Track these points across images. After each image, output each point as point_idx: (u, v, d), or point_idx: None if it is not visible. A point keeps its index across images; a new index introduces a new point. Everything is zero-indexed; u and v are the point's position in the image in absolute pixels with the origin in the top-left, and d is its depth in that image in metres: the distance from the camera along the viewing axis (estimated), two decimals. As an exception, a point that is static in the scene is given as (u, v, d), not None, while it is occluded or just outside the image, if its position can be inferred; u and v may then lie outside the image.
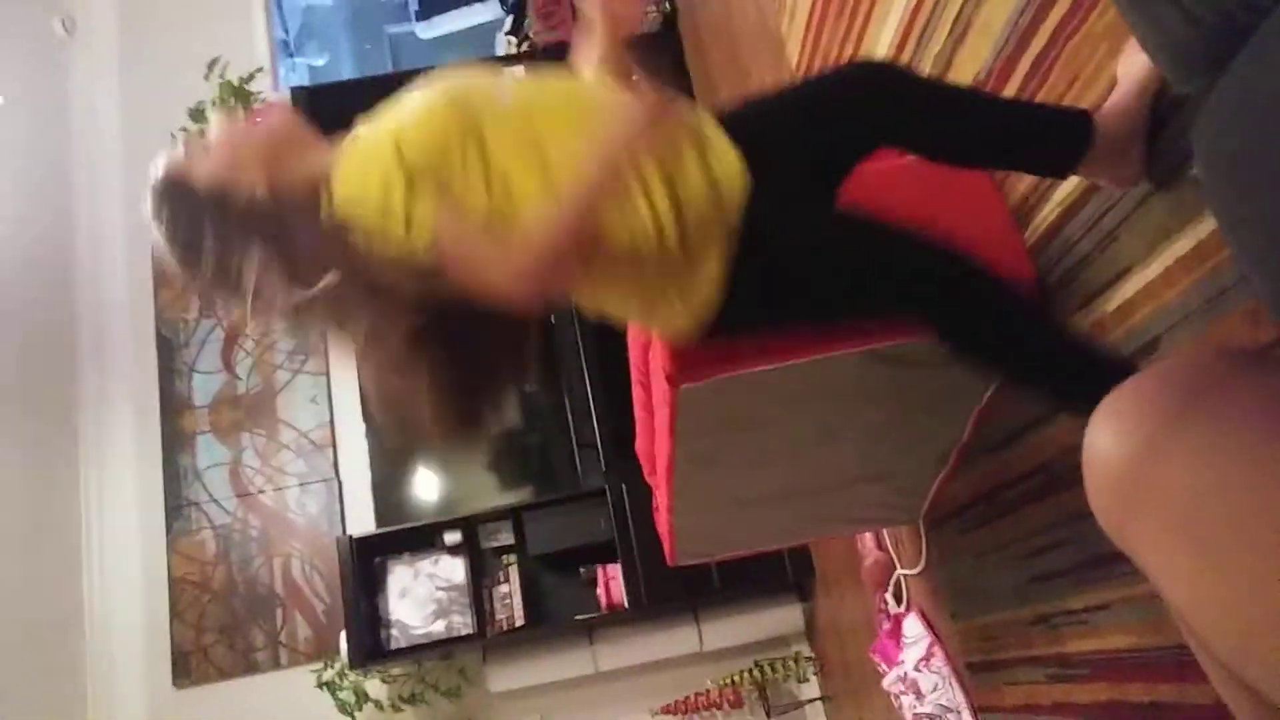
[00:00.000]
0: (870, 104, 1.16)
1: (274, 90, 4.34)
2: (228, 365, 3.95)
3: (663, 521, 1.97)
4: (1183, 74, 0.63)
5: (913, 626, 2.26)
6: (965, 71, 1.49)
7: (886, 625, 2.37)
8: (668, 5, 4.06)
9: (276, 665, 3.57)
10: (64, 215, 4.07)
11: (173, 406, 3.88)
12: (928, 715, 2.24)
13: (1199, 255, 1.06)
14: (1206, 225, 1.04)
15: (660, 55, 3.97)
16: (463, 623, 3.38)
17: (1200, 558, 0.49)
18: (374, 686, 3.45)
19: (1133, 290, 1.18)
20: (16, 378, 3.55)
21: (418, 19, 5.03)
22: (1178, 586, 0.51)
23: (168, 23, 4.39)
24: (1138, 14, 0.63)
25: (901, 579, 2.30)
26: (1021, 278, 1.38)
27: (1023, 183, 1.38)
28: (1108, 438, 0.54)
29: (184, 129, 4.07)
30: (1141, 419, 0.53)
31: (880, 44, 1.81)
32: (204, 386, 3.91)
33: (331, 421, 3.84)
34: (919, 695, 2.28)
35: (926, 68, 1.64)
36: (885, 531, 2.36)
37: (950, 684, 2.11)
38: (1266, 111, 0.53)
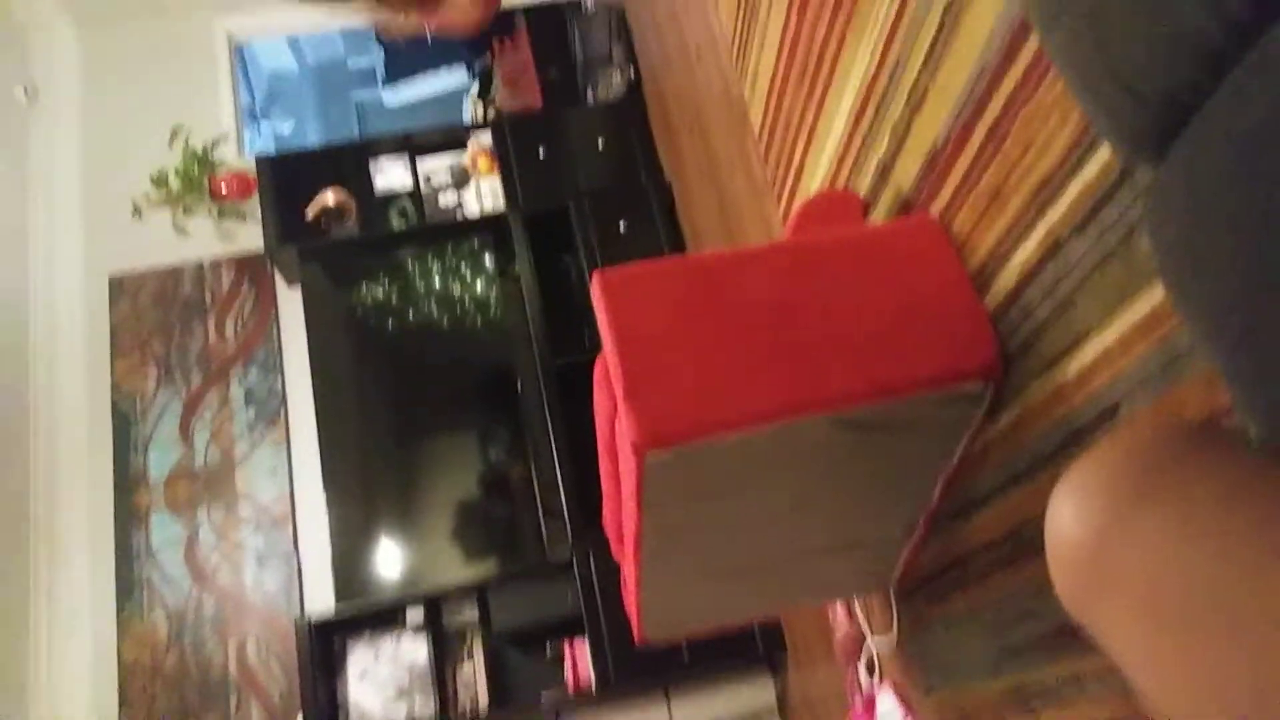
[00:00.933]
0: None
1: (239, 157, 4.35)
2: (185, 438, 3.86)
3: (630, 598, 1.92)
4: (1133, 151, 0.64)
5: (886, 701, 2.20)
6: (924, 138, 1.52)
7: (860, 699, 2.32)
8: (632, 73, 4.15)
9: (229, 754, 3.42)
10: (18, 283, 4.01)
11: (126, 483, 3.78)
12: (904, 794, 2.18)
13: (1155, 320, 1.07)
14: (1161, 290, 1.05)
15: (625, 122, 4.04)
16: (424, 706, 3.26)
17: (1165, 639, 0.48)
18: (331, 774, 3.30)
19: (1091, 356, 1.19)
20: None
21: (384, 85, 5.10)
22: (1143, 669, 0.50)
23: (131, 87, 4.41)
24: (1086, 95, 0.64)
25: (873, 651, 2.26)
26: (985, 348, 1.39)
27: (982, 247, 1.39)
28: (1070, 515, 0.53)
29: (146, 195, 4.06)
30: (1104, 496, 0.52)
31: (840, 111, 1.84)
32: (160, 461, 3.81)
33: (291, 493, 3.75)
34: (895, 773, 2.22)
35: (885, 136, 1.67)
36: (856, 602, 2.33)
37: (926, 760, 2.06)
38: (1208, 191, 0.53)
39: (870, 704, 2.27)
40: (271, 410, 3.90)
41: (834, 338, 1.45)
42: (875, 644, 2.23)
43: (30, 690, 3.44)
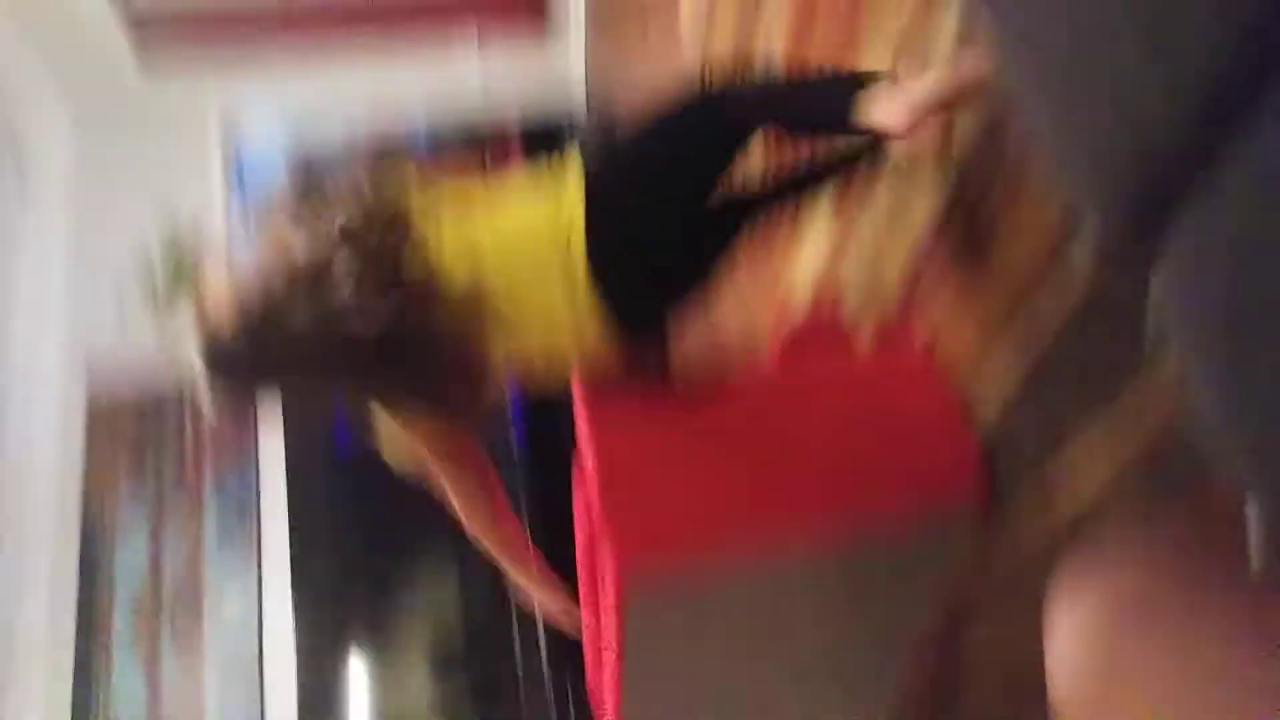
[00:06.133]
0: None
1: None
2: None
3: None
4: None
5: None
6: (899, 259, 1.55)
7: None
8: None
9: None
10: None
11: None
12: None
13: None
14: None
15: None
16: None
17: None
18: None
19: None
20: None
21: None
22: None
23: (123, 190, 4.10)
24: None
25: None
26: (968, 473, 1.38)
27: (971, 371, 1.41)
28: (1070, 661, 0.56)
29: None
30: (1103, 645, 0.54)
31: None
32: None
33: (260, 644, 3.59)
34: None
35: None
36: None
37: None
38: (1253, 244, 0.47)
39: None
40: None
41: (818, 467, 1.45)
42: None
43: None
